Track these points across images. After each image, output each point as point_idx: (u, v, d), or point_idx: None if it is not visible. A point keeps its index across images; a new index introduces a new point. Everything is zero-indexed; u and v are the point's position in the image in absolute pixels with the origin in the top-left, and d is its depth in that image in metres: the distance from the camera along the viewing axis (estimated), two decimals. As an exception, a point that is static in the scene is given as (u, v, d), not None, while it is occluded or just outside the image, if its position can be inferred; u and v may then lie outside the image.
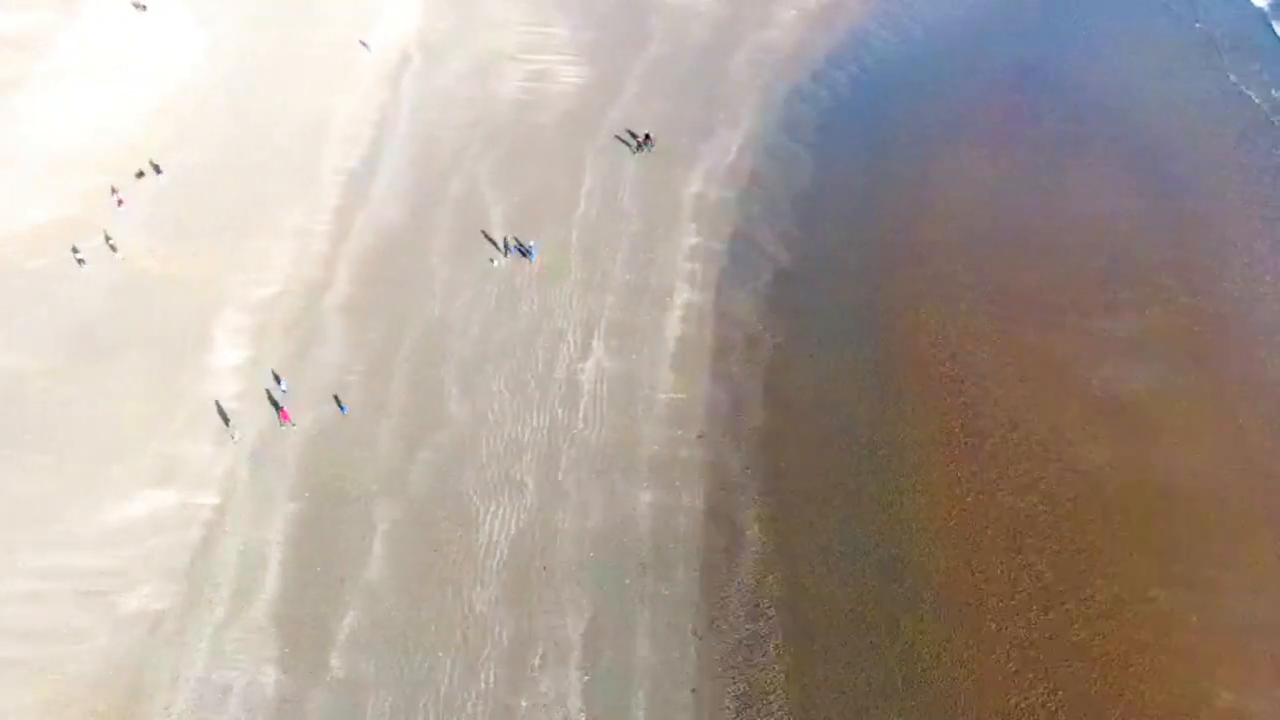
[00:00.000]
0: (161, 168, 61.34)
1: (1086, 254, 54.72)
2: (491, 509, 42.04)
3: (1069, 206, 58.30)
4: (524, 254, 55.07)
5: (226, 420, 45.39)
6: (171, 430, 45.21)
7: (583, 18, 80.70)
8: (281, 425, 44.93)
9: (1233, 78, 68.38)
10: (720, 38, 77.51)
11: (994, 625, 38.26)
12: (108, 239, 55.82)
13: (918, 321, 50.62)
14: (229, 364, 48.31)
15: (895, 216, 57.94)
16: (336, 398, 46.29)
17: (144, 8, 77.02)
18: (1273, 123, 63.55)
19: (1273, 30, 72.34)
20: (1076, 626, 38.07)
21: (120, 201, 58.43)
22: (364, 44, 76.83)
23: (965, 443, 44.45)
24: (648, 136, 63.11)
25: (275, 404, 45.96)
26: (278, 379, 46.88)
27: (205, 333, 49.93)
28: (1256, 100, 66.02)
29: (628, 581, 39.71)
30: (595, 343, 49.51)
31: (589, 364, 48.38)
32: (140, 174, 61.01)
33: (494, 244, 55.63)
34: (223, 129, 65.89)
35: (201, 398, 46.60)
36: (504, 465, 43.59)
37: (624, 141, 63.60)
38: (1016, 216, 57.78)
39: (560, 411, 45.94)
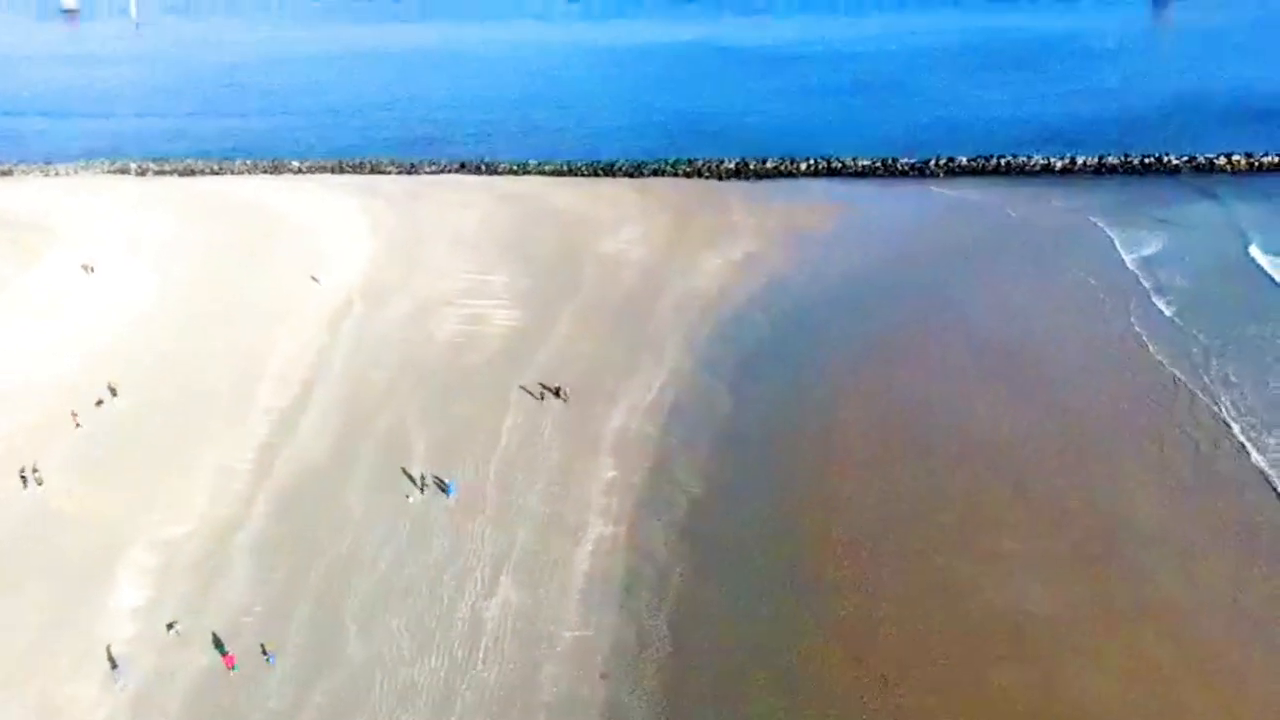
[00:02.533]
0: (118, 391, 64.23)
1: (991, 478, 56.26)
2: (379, 759, 40.20)
3: (973, 434, 60.51)
4: (442, 489, 55.79)
5: (114, 664, 43.92)
6: (56, 673, 43.56)
7: (521, 266, 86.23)
8: (230, 670, 43.49)
9: (1114, 320, 73.70)
10: (648, 283, 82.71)
11: None
12: (34, 470, 56.68)
13: (825, 551, 50.88)
14: (127, 605, 47.35)
15: (806, 448, 59.73)
16: (262, 646, 44.96)
17: (92, 270, 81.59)
18: (1157, 361, 67.78)
19: (1141, 282, 79.21)
20: None
21: (78, 425, 61.66)
22: (314, 279, 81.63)
23: (874, 672, 43.61)
24: (559, 390, 65.25)
25: (220, 648, 44.70)
26: (170, 626, 45.82)
27: (108, 572, 49.33)
28: (1135, 338, 70.91)
29: (517, 838, 37.49)
30: (503, 578, 49.22)
31: (494, 601, 47.85)
32: (99, 402, 64.12)
33: (412, 480, 56.43)
34: (162, 370, 68.24)
35: (93, 640, 45.26)
36: (396, 710, 41.91)
37: (530, 393, 65.31)
38: (923, 443, 59.73)
39: (460, 651, 44.88)
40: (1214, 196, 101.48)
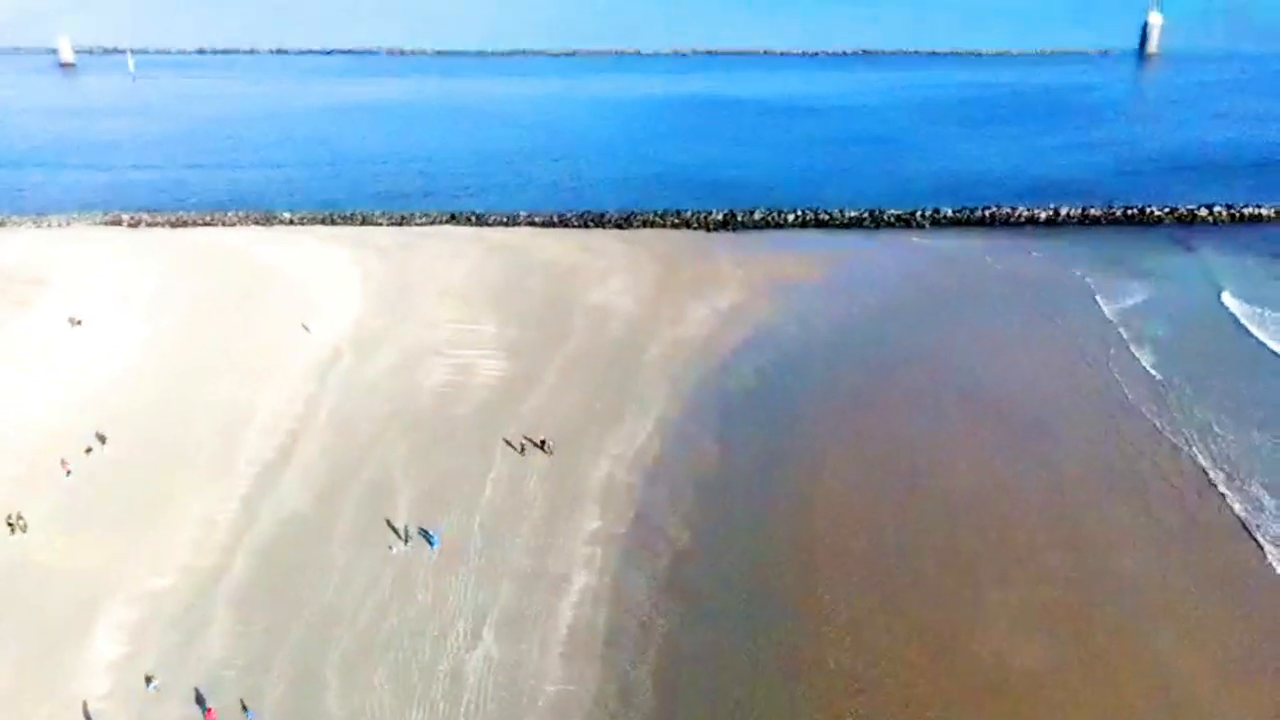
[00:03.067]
0: (106, 439, 64.93)
1: (976, 530, 56.34)
2: (356, 816, 39.64)
3: (958, 483, 60.70)
4: (427, 540, 55.63)
5: (90, 721, 43.45)
6: (30, 733, 43.08)
7: (510, 316, 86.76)
8: None
9: (1095, 371, 74.38)
10: (636, 333, 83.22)
11: None
12: (19, 518, 56.57)
13: (811, 602, 50.80)
14: (104, 659, 46.87)
15: (791, 498, 59.82)
16: (242, 702, 44.46)
17: (79, 323, 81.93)
18: (1137, 411, 68.41)
19: (1120, 333, 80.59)
20: None
21: (69, 472, 61.84)
22: (305, 328, 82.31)
23: (858, 731, 43.43)
24: (543, 443, 65.04)
25: (201, 703, 44.21)
26: (148, 680, 45.35)
27: (86, 625, 48.89)
28: (1116, 388, 71.60)
29: None
30: (486, 631, 48.94)
31: (477, 654, 47.55)
32: (89, 450, 64.46)
33: (395, 531, 56.27)
34: (150, 420, 68.22)
35: (69, 695, 44.73)
36: (376, 766, 41.60)
37: (513, 447, 64.99)
38: (909, 494, 59.88)
39: (442, 705, 44.47)
40: (1192, 247, 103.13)
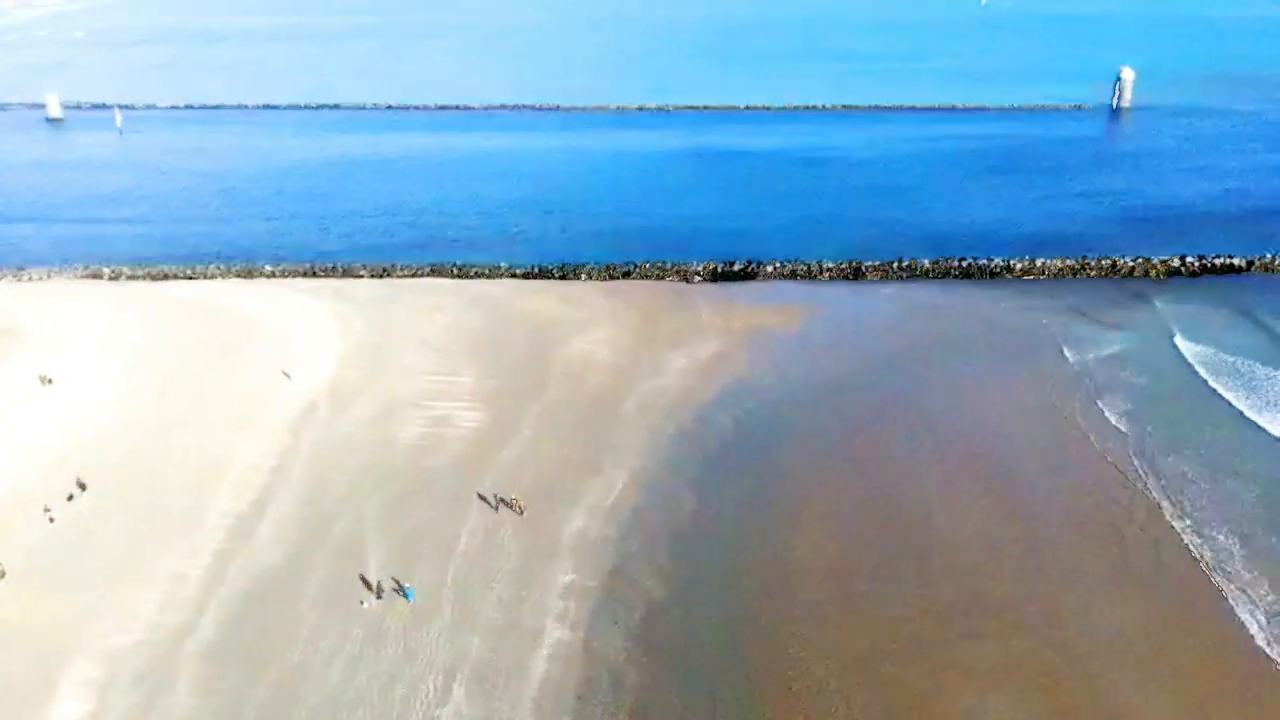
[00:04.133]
0: (86, 487, 64.90)
1: (950, 584, 56.34)
2: None
3: (933, 537, 60.78)
4: (401, 594, 55.21)
5: (48, 784, 42.64)
6: (-13, 797, 42.23)
7: (488, 367, 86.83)
8: None
9: (1063, 422, 75.09)
10: (614, 384, 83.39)
11: None
12: (-4, 564, 56.47)
13: (785, 658, 50.61)
14: (66, 719, 46.11)
15: (767, 550, 59.84)
16: None
17: (50, 381, 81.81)
18: (1104, 461, 69.11)
19: (1085, 382, 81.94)
20: None
21: (52, 519, 62.06)
22: (286, 374, 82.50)
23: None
24: (513, 502, 64.24)
25: None
26: (111, 738, 44.79)
27: (49, 685, 48.23)
28: (1083, 439, 72.32)
29: None
30: (456, 687, 48.46)
31: (447, 710, 47.05)
32: (70, 497, 64.51)
33: (368, 586, 55.85)
34: (124, 474, 67.80)
35: (28, 758, 44.04)
36: (340, 828, 40.86)
37: (487, 502, 64.77)
38: (884, 547, 59.96)
39: (409, 764, 43.97)
40: (1162, 298, 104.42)
